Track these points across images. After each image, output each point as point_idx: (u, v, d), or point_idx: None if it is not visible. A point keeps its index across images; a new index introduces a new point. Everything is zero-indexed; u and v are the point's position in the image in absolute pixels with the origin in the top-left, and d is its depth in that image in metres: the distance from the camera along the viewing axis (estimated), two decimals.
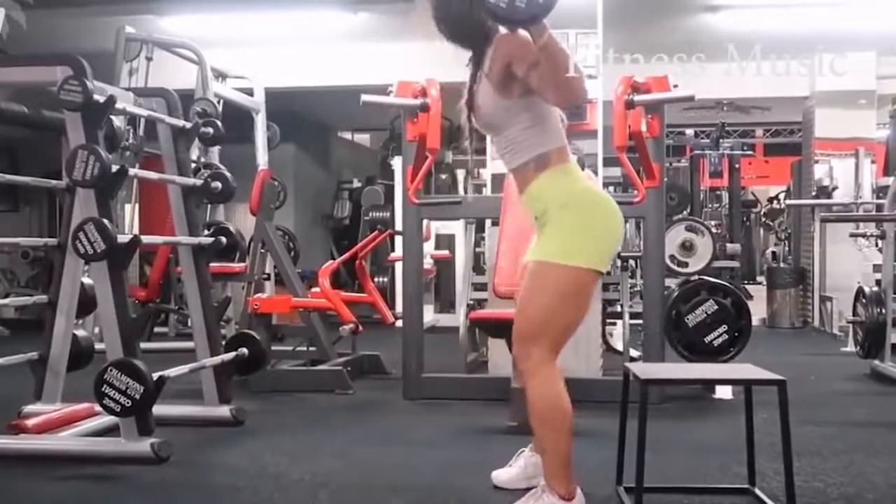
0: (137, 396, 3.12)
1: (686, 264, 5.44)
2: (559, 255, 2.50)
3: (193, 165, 4.87)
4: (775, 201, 13.23)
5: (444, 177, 8.49)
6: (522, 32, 2.36)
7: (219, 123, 4.27)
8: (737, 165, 9.81)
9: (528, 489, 2.70)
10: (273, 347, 5.35)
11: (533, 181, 2.57)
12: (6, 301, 4.44)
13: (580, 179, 2.62)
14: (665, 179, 4.55)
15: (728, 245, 7.93)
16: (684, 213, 8.20)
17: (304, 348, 5.37)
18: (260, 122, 7.14)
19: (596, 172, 5.91)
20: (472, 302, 5.38)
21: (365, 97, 4.24)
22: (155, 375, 3.21)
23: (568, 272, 2.49)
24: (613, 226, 2.59)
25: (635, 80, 3.89)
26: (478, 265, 6.23)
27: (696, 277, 5.27)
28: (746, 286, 9.58)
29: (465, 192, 8.74)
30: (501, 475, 2.94)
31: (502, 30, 2.47)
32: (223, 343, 4.21)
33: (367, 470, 3.21)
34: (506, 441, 3.03)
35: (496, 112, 2.58)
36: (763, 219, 13.60)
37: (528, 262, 2.60)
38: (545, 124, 2.57)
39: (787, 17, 6.95)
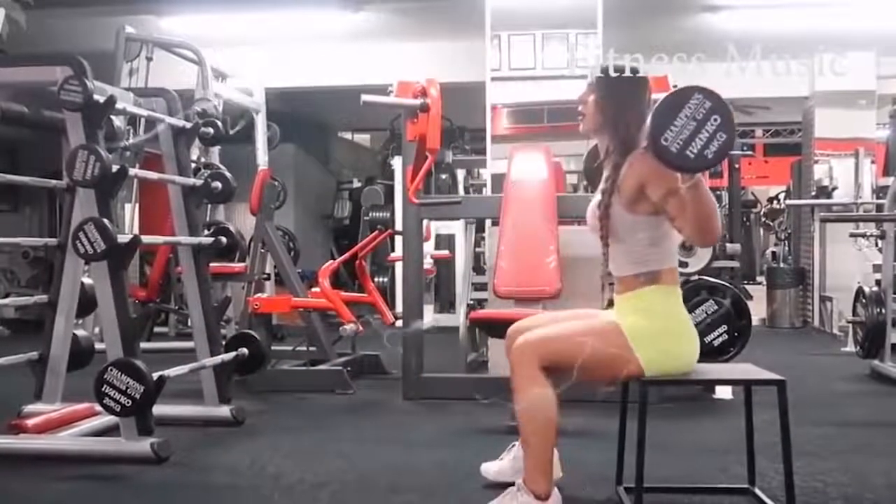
0: (137, 396, 3.13)
1: (686, 264, 5.44)
2: (633, 336, 2.50)
3: (193, 165, 4.87)
4: (775, 201, 13.22)
5: (444, 177, 8.48)
6: None
7: (219, 123, 4.27)
8: (737, 165, 9.78)
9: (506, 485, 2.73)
10: (273, 347, 5.35)
11: (638, 289, 2.57)
12: (6, 301, 4.44)
13: (680, 307, 2.64)
14: None
15: (728, 245, 7.92)
16: None
17: (304, 348, 5.37)
18: (260, 122, 7.13)
19: None
20: (472, 302, 5.38)
21: (365, 97, 4.24)
22: (155, 375, 3.21)
23: (628, 356, 2.50)
24: (690, 357, 2.63)
25: None
26: (478, 265, 6.24)
27: (696, 277, 5.27)
28: (746, 286, 9.57)
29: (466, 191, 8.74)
30: (491, 467, 2.97)
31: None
32: (223, 343, 4.20)
33: (367, 470, 3.21)
34: (505, 441, 3.03)
35: (621, 224, 2.58)
36: (763, 219, 13.60)
37: (607, 318, 2.59)
38: (665, 244, 2.57)
39: (787, 17, 6.95)
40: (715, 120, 2.12)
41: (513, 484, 2.64)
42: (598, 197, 2.66)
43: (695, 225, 2.34)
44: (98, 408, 3.38)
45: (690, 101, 2.13)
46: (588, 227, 2.74)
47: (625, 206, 2.54)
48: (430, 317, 7.73)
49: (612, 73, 2.66)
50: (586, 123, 2.72)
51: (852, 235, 6.56)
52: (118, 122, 5.43)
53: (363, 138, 13.37)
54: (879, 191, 7.67)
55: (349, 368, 5.02)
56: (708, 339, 4.90)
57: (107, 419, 3.49)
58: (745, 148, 10.98)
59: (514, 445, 2.94)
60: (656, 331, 2.53)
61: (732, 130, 2.14)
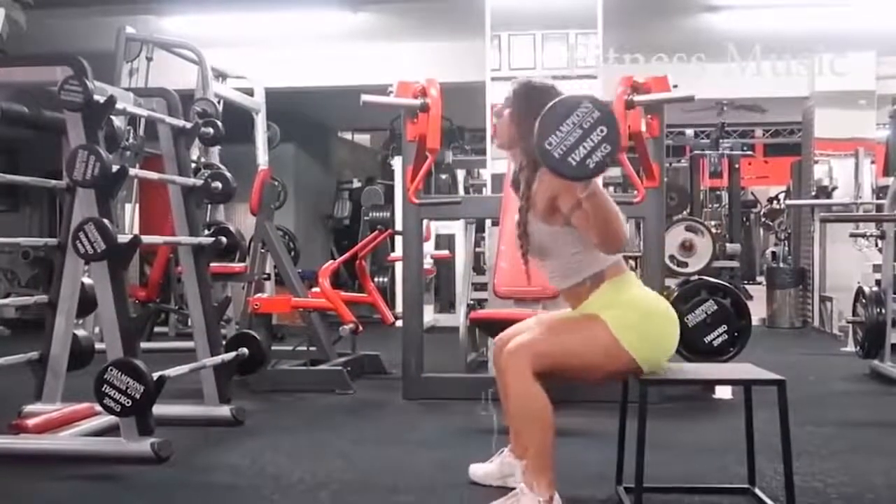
0: (137, 396, 3.13)
1: (686, 264, 5.45)
2: (618, 330, 2.49)
3: (193, 165, 4.87)
4: (775, 201, 13.22)
5: (444, 177, 8.48)
6: None
7: (219, 123, 4.27)
8: (736, 166, 9.80)
9: (500, 488, 2.75)
10: (273, 347, 5.35)
11: (589, 295, 2.57)
12: (7, 301, 4.44)
13: (639, 286, 2.63)
14: (665, 179, 4.56)
15: (728, 245, 7.94)
16: (684, 213, 8.19)
17: (304, 348, 5.37)
18: (260, 122, 7.13)
19: None
20: (472, 302, 5.38)
21: (365, 97, 4.24)
22: (155, 375, 3.21)
23: (618, 349, 2.48)
24: (670, 335, 2.59)
25: (635, 80, 3.90)
26: (478, 265, 6.24)
27: (696, 277, 5.28)
28: (746, 286, 9.58)
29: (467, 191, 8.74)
30: (478, 470, 2.97)
31: None
32: (223, 343, 4.21)
33: (367, 470, 3.21)
34: (505, 441, 3.03)
35: (546, 239, 2.59)
36: (763, 219, 13.59)
37: (590, 313, 2.57)
38: (594, 247, 2.55)
39: (787, 17, 6.95)
40: (601, 131, 2.12)
41: (505, 487, 2.65)
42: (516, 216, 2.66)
43: (598, 233, 2.36)
44: (98, 408, 3.37)
45: (579, 108, 2.13)
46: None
47: (543, 221, 2.55)
48: (431, 317, 7.74)
49: (531, 86, 2.63)
50: (500, 137, 2.71)
51: (852, 235, 6.56)
52: (118, 122, 5.43)
53: (363, 138, 13.36)
54: (879, 191, 7.67)
55: (349, 368, 5.02)
56: (708, 339, 4.91)
57: (107, 419, 3.48)
58: (744, 148, 10.99)
59: (503, 451, 2.95)
60: (636, 318, 2.52)
61: (617, 143, 2.14)
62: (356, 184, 10.86)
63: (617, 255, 2.58)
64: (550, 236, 2.57)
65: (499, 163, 5.55)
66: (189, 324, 4.82)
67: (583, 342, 2.52)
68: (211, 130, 4.22)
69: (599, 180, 2.29)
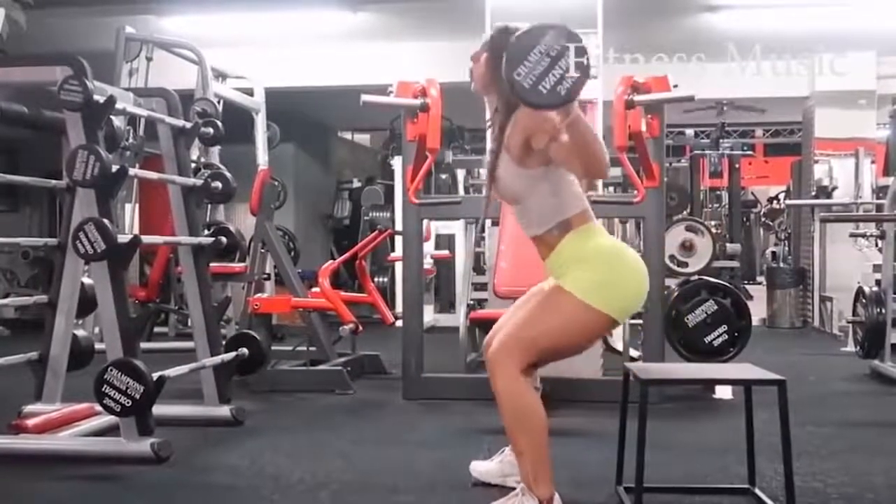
0: (137, 396, 3.13)
1: (686, 264, 5.45)
2: (584, 293, 2.48)
3: (193, 165, 4.87)
4: (775, 201, 13.22)
5: (444, 177, 8.48)
6: None
7: (219, 123, 4.27)
8: (737, 165, 9.80)
9: (500, 487, 2.77)
10: (273, 347, 5.35)
11: (557, 245, 2.57)
12: (6, 301, 4.44)
13: (604, 236, 2.64)
14: (665, 179, 4.56)
15: (728, 245, 7.94)
16: (684, 213, 8.19)
17: (304, 348, 5.37)
18: (260, 122, 7.13)
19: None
20: (472, 302, 5.38)
21: (365, 97, 4.24)
22: (155, 375, 3.21)
23: (589, 311, 2.48)
24: (636, 281, 2.58)
25: (635, 80, 3.90)
26: (478, 265, 6.24)
27: (696, 277, 5.28)
28: (746, 286, 9.58)
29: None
30: (479, 466, 2.98)
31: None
32: (223, 343, 4.21)
33: (367, 470, 3.21)
34: (505, 441, 3.03)
35: (516, 182, 2.58)
36: (763, 219, 13.59)
37: (552, 286, 2.59)
38: (566, 191, 2.57)
39: (787, 17, 6.95)
40: (568, 56, 2.12)
41: (505, 487, 2.65)
42: (488, 158, 2.66)
43: (581, 161, 2.37)
44: (98, 408, 3.38)
45: (545, 37, 2.12)
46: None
47: (517, 163, 2.54)
48: (431, 317, 7.75)
49: (505, 30, 2.61)
50: (476, 82, 2.70)
51: (852, 235, 6.56)
52: (118, 122, 5.43)
53: (363, 138, 13.36)
54: (879, 191, 7.66)
55: (349, 368, 5.02)
56: (708, 339, 4.92)
57: (107, 419, 3.49)
58: (745, 148, 10.98)
59: (504, 450, 2.95)
60: (599, 274, 2.52)
61: (586, 68, 2.13)
62: (356, 184, 10.87)
63: (583, 201, 2.60)
64: (522, 180, 2.57)
65: None
66: (189, 324, 4.82)
67: (560, 323, 2.52)
68: (211, 130, 4.22)
69: (577, 106, 2.28)
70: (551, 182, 2.54)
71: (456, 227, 7.58)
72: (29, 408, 3.73)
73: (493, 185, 2.65)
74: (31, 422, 3.46)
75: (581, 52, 2.13)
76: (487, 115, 2.71)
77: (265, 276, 5.54)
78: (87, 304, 3.89)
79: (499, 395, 2.51)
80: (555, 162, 2.46)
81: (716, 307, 4.93)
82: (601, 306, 2.48)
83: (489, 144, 2.67)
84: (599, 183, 6.27)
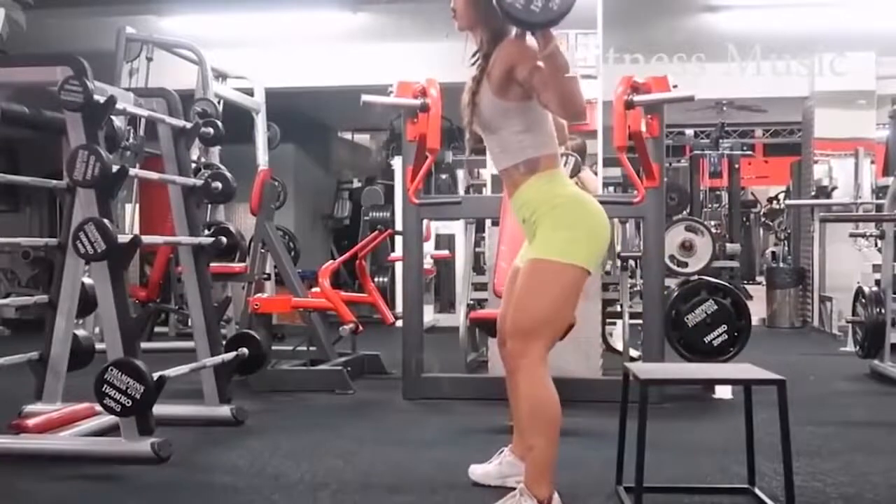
0: (138, 396, 3.13)
1: (686, 264, 5.44)
2: (559, 254, 2.53)
3: (194, 165, 4.87)
4: (775, 201, 13.23)
5: (444, 177, 8.49)
6: (529, 39, 2.37)
7: (219, 123, 4.27)
8: (736, 165, 9.81)
9: (499, 488, 2.77)
10: (273, 347, 5.35)
11: (522, 185, 2.62)
12: (7, 301, 4.44)
13: (567, 185, 2.67)
14: (665, 179, 4.56)
15: (728, 245, 7.93)
16: (684, 213, 8.20)
17: (304, 348, 5.37)
18: (260, 122, 7.14)
19: (596, 172, 5.92)
20: (472, 302, 5.37)
21: (365, 97, 4.23)
22: (155, 375, 3.21)
23: (568, 269, 2.53)
24: (601, 227, 2.62)
25: (635, 80, 3.89)
26: (478, 265, 6.24)
27: (696, 277, 5.28)
28: (746, 286, 9.59)
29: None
30: (477, 469, 2.99)
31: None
32: (223, 343, 4.21)
33: (367, 470, 3.21)
34: (505, 441, 3.03)
35: (493, 112, 2.61)
36: (763, 219, 13.60)
37: (526, 261, 2.63)
38: (538, 130, 2.61)
39: (787, 17, 6.96)
40: None
41: (505, 487, 2.65)
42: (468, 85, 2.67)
43: (557, 96, 2.38)
44: (98, 408, 3.38)
45: None
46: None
47: (496, 93, 2.56)
48: (431, 317, 7.75)
49: None
50: (460, 20, 2.71)
51: (852, 235, 6.56)
52: (118, 122, 5.44)
53: (363, 138, 13.37)
54: (879, 191, 7.67)
55: (349, 368, 5.02)
56: (708, 338, 4.92)
57: (107, 419, 3.49)
58: (745, 148, 10.99)
59: (503, 451, 2.96)
60: (566, 231, 2.56)
61: None
62: (356, 184, 10.87)
63: (553, 144, 2.63)
64: (500, 111, 2.59)
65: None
66: (189, 324, 4.82)
67: (552, 295, 2.55)
68: (211, 130, 4.22)
69: (556, 40, 2.30)
70: (526, 117, 2.57)
71: (456, 227, 7.58)
72: (29, 408, 3.73)
73: (472, 111, 2.66)
74: (31, 421, 3.46)
75: None
76: (471, 51, 2.71)
77: (265, 276, 5.54)
78: (87, 304, 3.90)
79: (521, 388, 2.56)
80: (535, 94, 2.46)
81: (716, 307, 4.93)
82: (575, 260, 2.53)
83: (472, 73, 2.67)
84: (600, 184, 6.28)
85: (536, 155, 2.60)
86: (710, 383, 4.53)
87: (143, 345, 4.96)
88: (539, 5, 2.13)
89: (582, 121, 2.54)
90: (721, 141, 9.78)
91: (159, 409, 3.34)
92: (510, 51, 2.49)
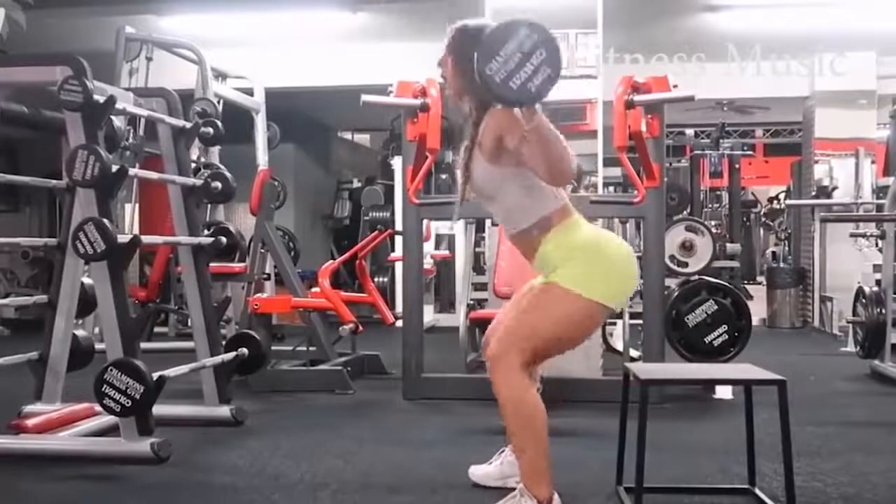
0: (137, 396, 3.13)
1: (686, 264, 5.44)
2: (572, 283, 2.49)
3: (193, 165, 4.87)
4: (775, 201, 13.23)
5: (444, 177, 8.49)
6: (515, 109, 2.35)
7: (219, 123, 4.27)
8: (737, 165, 9.80)
9: (500, 489, 2.76)
10: (273, 347, 5.35)
11: (539, 246, 2.57)
12: (6, 301, 4.44)
13: (584, 231, 2.61)
14: (665, 179, 4.56)
15: (728, 245, 7.94)
16: (684, 213, 8.20)
17: (304, 348, 5.37)
18: (260, 122, 7.14)
19: (596, 172, 5.93)
20: (472, 302, 5.38)
21: (365, 97, 4.24)
22: (155, 375, 3.21)
23: (578, 300, 2.49)
24: (621, 263, 2.58)
25: (635, 80, 3.90)
26: (478, 265, 6.25)
27: (696, 277, 5.28)
28: (746, 286, 9.58)
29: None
30: (477, 470, 2.98)
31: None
32: (223, 343, 4.20)
33: (367, 470, 3.21)
34: (505, 441, 3.03)
35: (490, 179, 2.59)
36: (763, 219, 13.60)
37: (543, 282, 2.58)
38: (539, 190, 2.55)
39: (787, 17, 6.96)
40: (541, 54, 2.11)
41: (505, 488, 2.65)
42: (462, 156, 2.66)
43: (545, 165, 2.36)
44: (98, 408, 3.38)
45: (518, 33, 2.12)
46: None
47: (490, 161, 2.54)
48: (431, 317, 7.75)
49: (466, 29, 2.61)
50: (449, 87, 2.69)
51: (852, 235, 6.56)
52: (118, 122, 5.44)
53: (363, 138, 13.37)
54: (879, 191, 7.67)
55: (349, 368, 5.02)
56: (708, 339, 4.92)
57: (107, 419, 3.48)
58: (745, 148, 10.99)
59: (503, 451, 2.95)
60: (585, 265, 2.52)
61: (557, 65, 2.13)
62: (356, 184, 10.87)
63: (561, 197, 2.59)
64: (496, 178, 2.56)
65: None
66: (189, 324, 4.82)
67: (554, 317, 2.51)
68: (211, 130, 4.21)
69: (540, 111, 2.28)
70: (525, 179, 2.53)
71: (456, 227, 7.58)
72: (29, 408, 3.73)
73: (468, 182, 2.65)
74: (30, 422, 3.46)
75: (553, 50, 2.13)
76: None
77: (265, 276, 5.54)
78: (87, 304, 3.90)
79: (500, 394, 2.51)
80: (524, 163, 2.45)
81: (716, 307, 4.93)
82: (591, 294, 2.49)
83: (464, 143, 2.66)
84: (599, 183, 6.29)
85: (546, 213, 2.56)
86: (710, 383, 4.53)
87: (143, 345, 4.96)
88: (518, 83, 2.11)
89: (569, 183, 2.50)
90: (721, 141, 9.78)
91: (159, 410, 3.33)
92: (498, 120, 2.46)
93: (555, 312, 2.51)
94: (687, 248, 5.47)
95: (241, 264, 5.69)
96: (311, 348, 5.33)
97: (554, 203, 2.58)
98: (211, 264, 4.21)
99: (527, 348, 2.50)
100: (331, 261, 6.04)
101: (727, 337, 4.91)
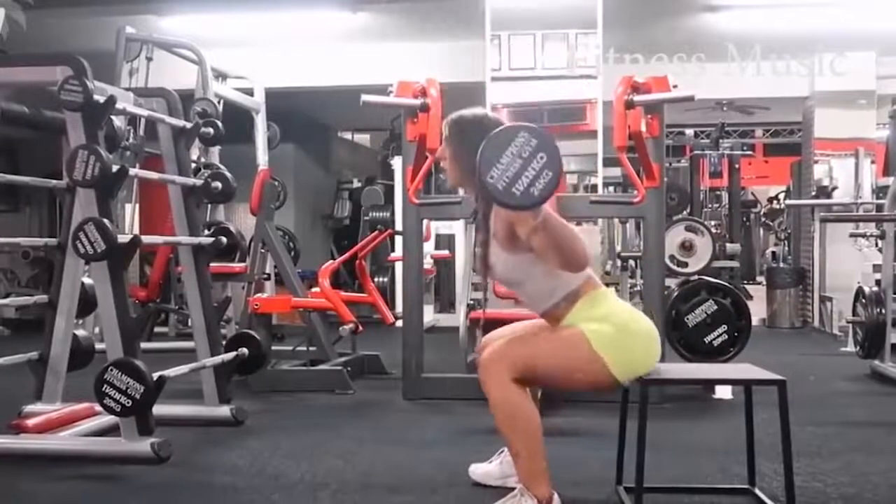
0: (138, 396, 3.13)
1: (686, 264, 5.44)
2: (598, 344, 2.47)
3: (193, 165, 4.87)
4: (775, 201, 13.23)
5: (444, 177, 8.49)
6: None
7: (219, 123, 4.27)
8: (736, 165, 9.81)
9: (499, 488, 2.77)
10: (273, 347, 5.35)
11: (567, 315, 2.55)
12: (7, 301, 4.44)
13: (617, 301, 2.61)
14: (665, 179, 4.56)
15: (728, 245, 7.94)
16: (684, 213, 8.20)
17: (304, 348, 5.37)
18: (260, 122, 7.14)
19: (596, 172, 5.93)
20: (472, 302, 5.38)
21: (365, 97, 4.24)
22: (155, 375, 3.21)
23: (593, 361, 2.47)
24: (651, 348, 2.58)
25: (635, 80, 3.90)
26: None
27: (696, 277, 5.28)
28: (746, 286, 9.58)
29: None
30: (478, 469, 2.98)
31: None
32: (223, 343, 4.21)
33: (367, 470, 3.21)
34: (503, 441, 3.03)
35: (512, 268, 2.58)
36: (763, 219, 13.60)
37: (570, 327, 2.56)
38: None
39: (787, 17, 6.96)
40: (541, 158, 2.13)
41: (505, 487, 2.65)
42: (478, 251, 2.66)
43: (558, 257, 2.36)
44: (98, 408, 3.38)
45: (516, 139, 2.13)
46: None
47: (506, 250, 2.54)
48: (431, 317, 7.75)
49: (462, 121, 2.64)
50: (451, 179, 2.71)
51: (852, 235, 6.56)
52: (118, 122, 5.43)
53: (363, 138, 13.37)
54: (879, 191, 7.67)
55: (349, 368, 5.02)
56: (708, 339, 4.92)
57: (107, 419, 3.48)
58: (745, 148, 10.99)
59: (503, 450, 2.94)
60: (614, 333, 2.50)
61: (558, 168, 2.14)
62: (356, 184, 10.87)
63: (586, 272, 2.55)
64: (516, 264, 2.56)
65: None
66: (189, 324, 4.82)
67: (561, 350, 2.51)
68: (211, 130, 4.21)
69: (548, 205, 2.28)
70: (544, 264, 2.49)
71: (456, 227, 7.58)
72: (29, 408, 3.73)
73: (489, 272, 2.65)
74: (31, 422, 3.46)
75: (553, 153, 2.14)
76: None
77: (265, 276, 5.55)
78: (87, 304, 3.90)
79: (491, 399, 2.50)
80: (536, 253, 2.43)
81: (716, 307, 4.93)
82: (609, 362, 2.47)
83: (480, 235, 2.66)
84: (599, 183, 6.30)
85: (574, 287, 2.55)
86: (710, 383, 4.53)
87: (143, 345, 4.97)
88: (521, 189, 2.12)
89: (583, 270, 2.48)
90: (721, 141, 9.79)
91: (159, 410, 3.33)
92: (506, 213, 2.43)
93: (565, 354, 2.50)
94: (687, 248, 5.47)
95: (242, 264, 5.69)
96: (311, 348, 5.34)
97: (579, 277, 2.55)
98: (211, 264, 4.21)
99: (518, 366, 2.48)
100: (331, 261, 6.04)
101: (727, 337, 4.91)
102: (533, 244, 2.38)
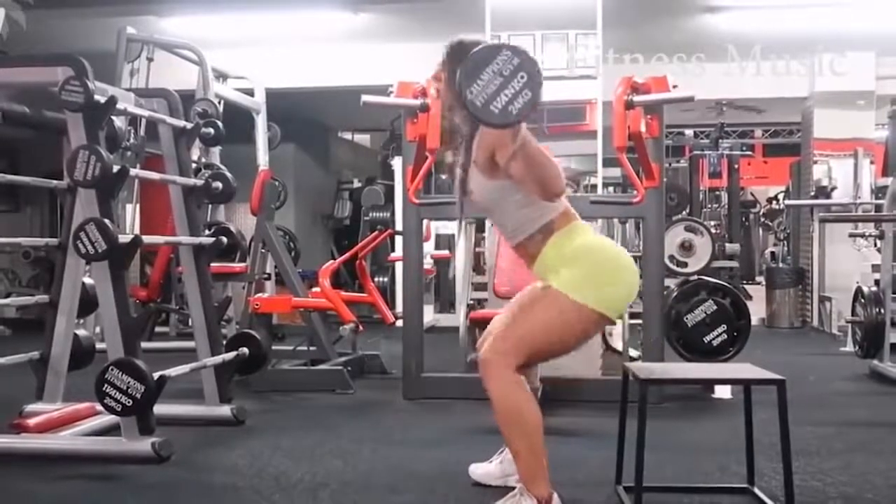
0: (138, 396, 3.13)
1: (685, 264, 5.45)
2: (572, 290, 2.49)
3: (194, 166, 4.88)
4: (774, 202, 13.23)
5: (444, 177, 8.50)
6: None
7: (219, 124, 4.28)
8: (736, 166, 9.81)
9: (499, 487, 2.77)
10: (273, 347, 5.35)
11: (542, 249, 2.57)
12: (8, 301, 4.44)
13: (585, 234, 2.62)
14: (664, 180, 4.57)
15: (727, 245, 7.94)
16: (683, 213, 8.21)
17: (305, 348, 5.38)
18: (260, 122, 7.14)
19: (596, 172, 5.93)
20: (472, 302, 5.38)
21: (365, 97, 4.24)
22: (156, 375, 3.22)
23: (575, 308, 2.49)
24: (626, 275, 2.58)
25: (635, 81, 3.90)
26: (478, 265, 6.25)
27: (696, 277, 5.28)
28: (745, 286, 9.58)
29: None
30: (478, 469, 2.99)
31: None
32: (224, 343, 4.21)
33: (367, 470, 3.22)
34: (503, 441, 3.04)
35: (489, 194, 2.60)
36: (762, 219, 13.60)
37: (542, 286, 2.59)
38: (538, 199, 2.55)
39: (786, 17, 6.96)
40: (521, 77, 2.12)
41: (505, 487, 2.65)
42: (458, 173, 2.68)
43: (534, 181, 2.40)
44: (99, 407, 3.38)
45: (498, 57, 2.13)
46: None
47: (485, 176, 2.56)
48: (431, 317, 7.76)
49: (459, 45, 2.62)
50: (441, 99, 2.72)
51: (851, 235, 6.57)
52: (119, 122, 5.44)
53: (363, 138, 13.37)
54: (878, 191, 7.67)
55: (349, 368, 5.02)
56: (707, 338, 4.92)
57: (108, 419, 3.49)
58: (744, 148, 11.00)
59: (503, 449, 2.94)
60: (585, 271, 2.52)
61: (538, 88, 2.13)
62: (356, 184, 10.88)
63: (561, 202, 2.59)
64: (495, 191, 2.58)
65: None
66: (189, 324, 4.83)
67: (551, 317, 2.51)
68: (211, 131, 4.23)
69: (525, 129, 2.31)
70: (521, 192, 2.53)
71: (456, 227, 7.58)
72: (30, 407, 3.74)
73: (467, 197, 2.67)
74: (32, 421, 3.46)
75: (535, 74, 2.13)
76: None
77: (265, 275, 5.55)
78: (88, 303, 3.90)
79: (491, 395, 2.51)
80: (514, 180, 2.46)
81: (715, 307, 4.94)
82: (590, 302, 2.48)
83: (457, 158, 2.68)
84: (599, 183, 6.30)
85: (548, 219, 2.57)
86: (709, 383, 4.54)
87: (144, 345, 4.98)
88: (499, 107, 2.12)
89: (559, 197, 2.51)
90: (721, 141, 9.79)
91: (160, 409, 3.34)
92: (490, 137, 2.46)
93: (551, 317, 2.51)
94: (686, 248, 5.47)
95: (242, 264, 5.70)
96: (311, 348, 5.34)
97: (555, 209, 2.58)
98: (212, 264, 4.22)
99: (519, 350, 2.50)
100: (331, 261, 6.04)
101: (726, 337, 4.91)
102: (511, 170, 2.41)
